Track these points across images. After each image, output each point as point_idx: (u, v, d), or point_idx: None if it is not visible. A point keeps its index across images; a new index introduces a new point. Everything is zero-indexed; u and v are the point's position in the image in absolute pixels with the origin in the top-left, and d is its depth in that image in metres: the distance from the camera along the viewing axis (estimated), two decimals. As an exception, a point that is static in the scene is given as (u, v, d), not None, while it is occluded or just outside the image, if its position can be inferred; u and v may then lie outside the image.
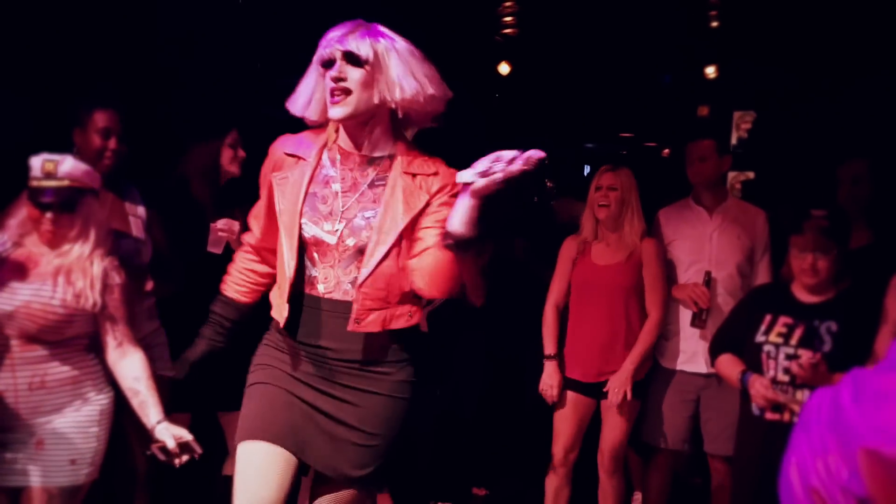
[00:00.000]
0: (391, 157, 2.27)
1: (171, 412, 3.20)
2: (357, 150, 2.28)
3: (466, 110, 6.55)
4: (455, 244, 2.11)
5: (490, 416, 4.68)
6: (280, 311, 2.29)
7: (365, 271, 2.21)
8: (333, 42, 2.18)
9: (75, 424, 2.71)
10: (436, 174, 2.25)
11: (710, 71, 7.33)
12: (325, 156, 2.30)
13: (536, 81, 7.53)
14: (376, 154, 2.27)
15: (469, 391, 4.36)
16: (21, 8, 3.83)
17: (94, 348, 2.76)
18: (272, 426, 2.27)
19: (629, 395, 3.56)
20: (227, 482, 2.57)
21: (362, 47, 2.15)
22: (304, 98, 2.27)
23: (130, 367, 2.72)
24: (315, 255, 2.27)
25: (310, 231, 2.25)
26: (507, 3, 6.40)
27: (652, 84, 7.73)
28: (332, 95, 2.17)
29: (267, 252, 2.45)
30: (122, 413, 2.78)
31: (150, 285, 3.33)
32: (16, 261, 2.70)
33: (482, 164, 2.01)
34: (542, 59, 7.16)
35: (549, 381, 3.70)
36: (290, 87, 2.30)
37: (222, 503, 2.84)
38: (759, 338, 3.01)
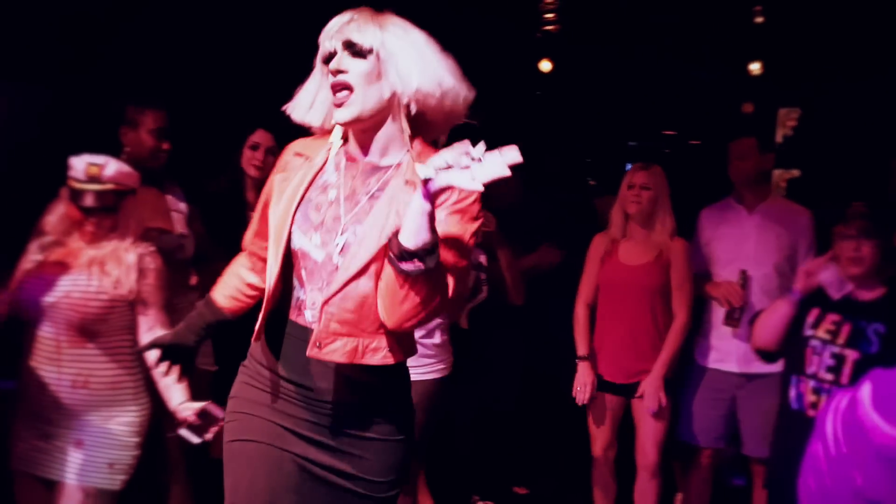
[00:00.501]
0: (399, 165, 1.93)
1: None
2: (364, 155, 1.95)
3: (507, 108, 6.54)
4: (396, 257, 1.74)
5: (530, 415, 4.68)
6: (257, 325, 2.01)
7: (334, 286, 1.87)
8: (333, 33, 1.89)
9: (116, 431, 2.77)
10: None
11: (755, 67, 7.23)
12: (331, 159, 1.99)
13: (578, 79, 7.48)
14: (384, 162, 1.94)
15: (507, 389, 4.35)
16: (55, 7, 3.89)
17: (139, 355, 2.80)
18: (259, 500, 1.95)
19: (664, 401, 3.55)
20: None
21: (366, 35, 1.85)
22: (307, 101, 1.99)
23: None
24: (303, 272, 1.94)
25: (298, 242, 1.94)
26: (549, 0, 6.37)
27: (695, 81, 7.65)
28: (335, 94, 1.88)
29: (256, 259, 2.16)
30: (160, 409, 2.82)
31: (194, 280, 3.38)
32: (57, 260, 2.76)
33: (446, 156, 1.64)
34: (584, 56, 7.12)
35: (581, 381, 3.68)
36: None
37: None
38: (808, 331, 2.97)
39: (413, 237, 1.71)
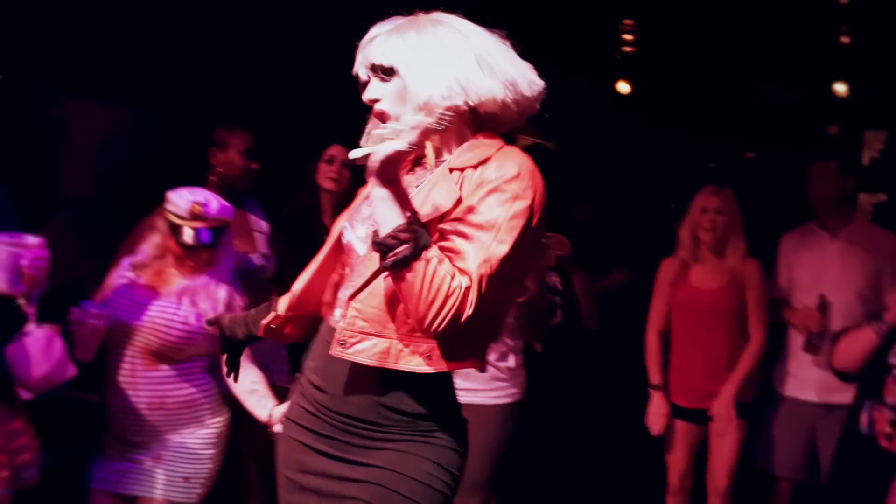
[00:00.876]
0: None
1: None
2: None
3: (584, 130, 6.53)
4: (379, 254, 1.60)
5: (605, 441, 4.63)
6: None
7: (360, 280, 1.73)
8: (360, 59, 1.78)
9: (192, 445, 2.83)
10: (483, 163, 1.67)
11: (841, 89, 7.05)
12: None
13: (657, 100, 7.42)
14: (444, 157, 1.79)
15: (582, 414, 4.32)
16: (141, 27, 4.02)
17: (214, 369, 2.87)
18: None
19: (734, 422, 3.49)
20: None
21: (385, 54, 1.71)
22: None
23: (247, 375, 2.66)
24: (348, 270, 1.86)
25: (347, 235, 1.85)
26: (627, 22, 6.34)
27: (779, 103, 7.51)
28: (382, 125, 1.76)
29: None
30: (237, 427, 2.88)
31: (274, 299, 3.44)
32: (148, 283, 2.84)
33: (379, 131, 1.58)
34: (663, 78, 7.06)
35: (654, 411, 3.64)
36: None
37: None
38: (892, 359, 2.87)
39: (381, 227, 1.59)
